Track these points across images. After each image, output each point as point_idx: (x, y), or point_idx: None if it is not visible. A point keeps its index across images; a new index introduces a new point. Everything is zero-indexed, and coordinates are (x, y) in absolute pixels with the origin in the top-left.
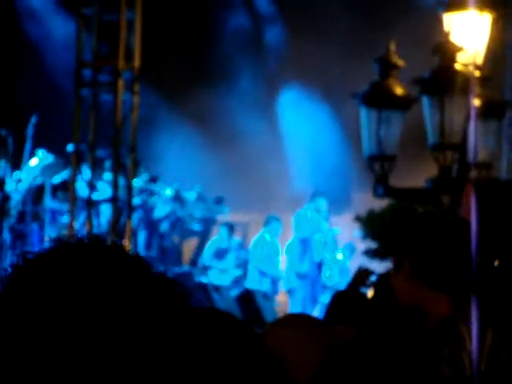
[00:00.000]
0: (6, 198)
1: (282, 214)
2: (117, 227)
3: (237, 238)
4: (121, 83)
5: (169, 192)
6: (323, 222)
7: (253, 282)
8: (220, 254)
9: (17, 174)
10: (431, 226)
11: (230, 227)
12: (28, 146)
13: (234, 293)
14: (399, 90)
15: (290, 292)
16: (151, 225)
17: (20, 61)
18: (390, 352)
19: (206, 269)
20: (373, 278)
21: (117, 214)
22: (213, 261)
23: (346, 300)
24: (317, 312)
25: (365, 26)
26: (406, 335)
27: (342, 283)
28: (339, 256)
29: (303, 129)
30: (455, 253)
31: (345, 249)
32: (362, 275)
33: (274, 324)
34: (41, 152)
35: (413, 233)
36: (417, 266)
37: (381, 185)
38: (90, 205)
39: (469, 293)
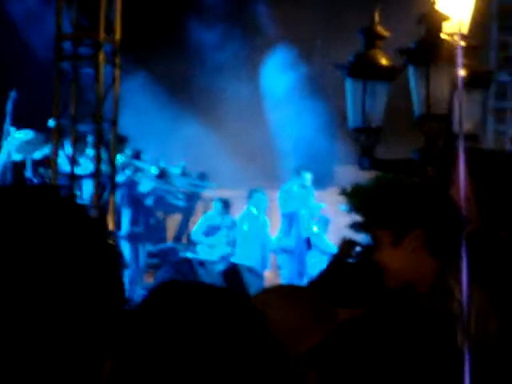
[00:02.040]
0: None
1: (267, 190)
2: (100, 203)
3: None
4: (102, 56)
5: (154, 170)
6: (309, 197)
7: (240, 257)
8: (211, 231)
9: None
10: (428, 195)
11: (225, 203)
12: (7, 121)
13: (220, 267)
14: (384, 61)
15: (277, 266)
16: (136, 201)
17: None
18: (393, 324)
19: (194, 244)
20: (357, 249)
21: (99, 189)
22: (202, 237)
23: (339, 268)
24: None
25: None
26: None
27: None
28: (314, 229)
29: (286, 100)
30: (451, 215)
31: (319, 222)
32: (347, 246)
33: (259, 292)
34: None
35: (419, 205)
36: (428, 236)
37: (366, 157)
38: (73, 180)
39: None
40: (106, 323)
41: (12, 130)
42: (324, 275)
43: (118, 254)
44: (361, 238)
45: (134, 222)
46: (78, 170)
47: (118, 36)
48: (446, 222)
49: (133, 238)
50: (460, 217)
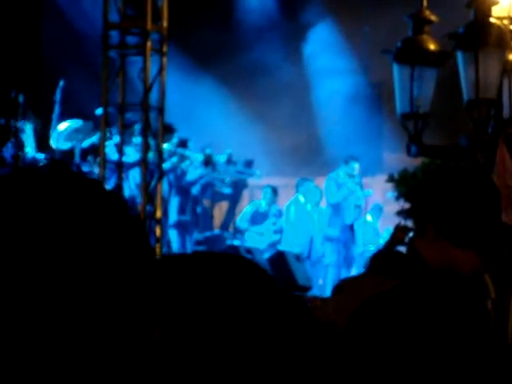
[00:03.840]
0: (34, 160)
1: (314, 178)
2: (148, 191)
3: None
4: (149, 44)
5: (200, 158)
6: (355, 186)
7: (287, 245)
8: (258, 218)
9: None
10: (448, 184)
11: (274, 190)
12: (56, 110)
13: (267, 255)
14: (432, 46)
15: (322, 255)
16: (183, 189)
17: (46, 24)
18: (425, 305)
19: (241, 231)
20: (411, 236)
21: (146, 177)
22: (248, 223)
23: (383, 259)
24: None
25: None
26: (441, 293)
27: (373, 245)
28: (368, 218)
29: (334, 88)
30: (477, 207)
31: (373, 210)
32: (400, 232)
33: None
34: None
35: (429, 193)
36: (441, 226)
37: (414, 143)
38: (121, 168)
39: (492, 244)
40: (144, 292)
41: (54, 124)
42: (373, 263)
43: (140, 223)
44: (410, 224)
45: (181, 210)
46: (124, 159)
47: (165, 24)
48: (462, 213)
49: (180, 227)
50: (488, 204)
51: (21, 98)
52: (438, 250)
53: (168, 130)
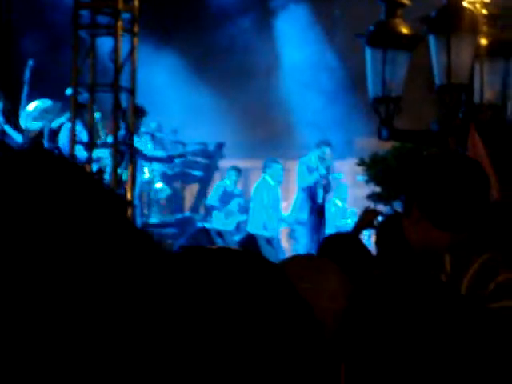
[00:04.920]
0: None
1: (284, 162)
2: (117, 173)
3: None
4: (120, 24)
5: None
6: (325, 172)
7: (256, 227)
8: (226, 198)
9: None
10: (432, 167)
11: (239, 171)
12: (25, 90)
13: (237, 238)
14: (405, 30)
15: (292, 238)
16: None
17: (16, 2)
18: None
19: (210, 210)
20: (379, 219)
21: (117, 159)
22: (218, 203)
23: (336, 243)
24: None
25: None
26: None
27: (342, 227)
28: (338, 202)
29: (305, 70)
30: (462, 191)
31: (339, 192)
32: (370, 216)
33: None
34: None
35: (416, 175)
36: (424, 207)
37: (386, 127)
38: (90, 149)
39: (473, 228)
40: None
41: (23, 104)
42: (324, 247)
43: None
44: (380, 208)
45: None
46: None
47: (136, 4)
48: (445, 197)
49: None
50: (470, 188)
51: None
52: (420, 230)
53: (141, 113)
